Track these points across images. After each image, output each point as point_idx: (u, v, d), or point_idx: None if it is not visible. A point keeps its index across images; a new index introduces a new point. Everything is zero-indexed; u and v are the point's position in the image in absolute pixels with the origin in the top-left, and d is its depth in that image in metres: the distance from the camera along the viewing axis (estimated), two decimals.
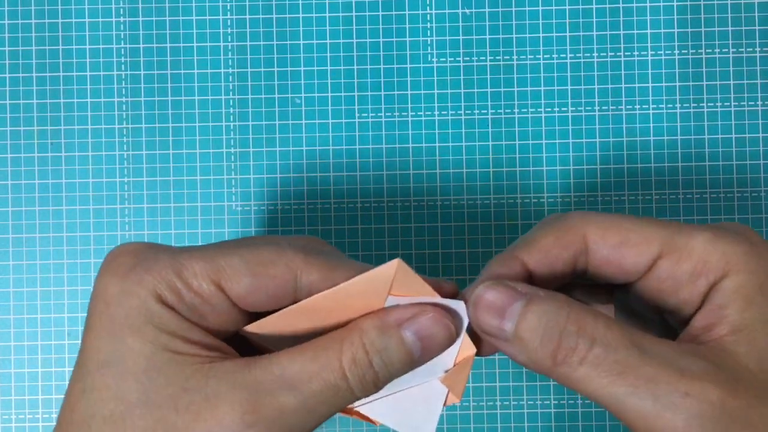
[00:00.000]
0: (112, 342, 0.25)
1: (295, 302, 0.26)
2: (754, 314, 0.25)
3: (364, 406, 0.28)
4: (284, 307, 0.26)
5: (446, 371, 0.27)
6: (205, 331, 0.25)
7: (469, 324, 0.27)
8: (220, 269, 0.25)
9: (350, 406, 0.28)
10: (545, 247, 0.27)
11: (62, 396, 0.38)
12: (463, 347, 0.27)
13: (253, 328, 0.26)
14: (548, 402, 0.38)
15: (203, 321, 0.26)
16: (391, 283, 0.26)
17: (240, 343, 0.27)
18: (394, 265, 0.25)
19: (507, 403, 0.38)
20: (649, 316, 0.29)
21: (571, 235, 0.27)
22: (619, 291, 0.29)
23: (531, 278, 0.27)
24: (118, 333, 0.25)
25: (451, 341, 0.26)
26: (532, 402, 0.38)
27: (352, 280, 0.25)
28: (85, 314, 0.38)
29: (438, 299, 0.26)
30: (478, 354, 0.27)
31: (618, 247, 0.26)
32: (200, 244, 0.38)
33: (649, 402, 0.23)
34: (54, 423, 0.38)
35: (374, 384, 0.25)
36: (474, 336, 0.27)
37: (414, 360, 0.26)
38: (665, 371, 0.23)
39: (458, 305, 0.26)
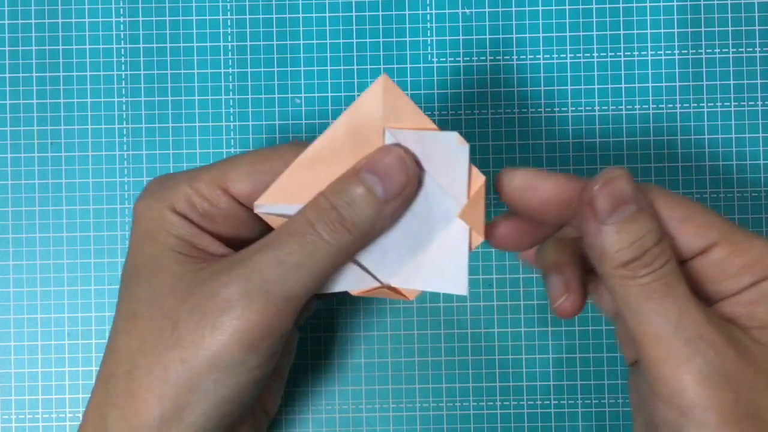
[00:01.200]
0: (136, 252, 0.28)
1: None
2: None
3: (392, 280, 0.29)
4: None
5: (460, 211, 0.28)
6: (213, 239, 0.29)
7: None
8: (225, 174, 0.28)
9: (378, 285, 0.29)
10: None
11: (62, 396, 0.38)
12: (473, 180, 0.28)
13: (264, 199, 0.28)
14: (548, 402, 0.38)
15: (215, 226, 0.29)
16: (383, 109, 0.27)
17: None
18: (381, 82, 0.27)
19: (507, 403, 0.38)
20: None
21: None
22: None
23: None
24: (140, 243, 0.28)
25: (403, 164, 0.27)
26: (532, 402, 0.38)
27: (344, 114, 0.27)
28: (86, 314, 0.38)
29: (435, 131, 0.27)
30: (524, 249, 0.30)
31: (681, 221, 0.28)
32: None
33: (671, 327, 0.26)
34: (53, 423, 0.38)
35: (341, 224, 0.27)
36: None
37: (378, 197, 0.27)
38: (697, 313, 0.26)
39: (452, 136, 0.27)
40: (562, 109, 0.38)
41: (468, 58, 0.39)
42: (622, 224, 0.26)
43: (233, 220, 0.29)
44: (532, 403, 0.38)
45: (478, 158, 0.38)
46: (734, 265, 0.28)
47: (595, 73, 0.38)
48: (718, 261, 0.28)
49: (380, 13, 0.39)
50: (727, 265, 0.28)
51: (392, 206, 0.27)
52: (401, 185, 0.27)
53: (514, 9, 0.39)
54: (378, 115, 0.27)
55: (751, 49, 0.38)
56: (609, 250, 0.27)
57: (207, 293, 0.26)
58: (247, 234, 0.29)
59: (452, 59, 0.39)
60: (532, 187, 0.28)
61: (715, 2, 0.38)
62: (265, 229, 0.29)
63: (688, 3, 0.38)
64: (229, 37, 0.39)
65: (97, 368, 0.38)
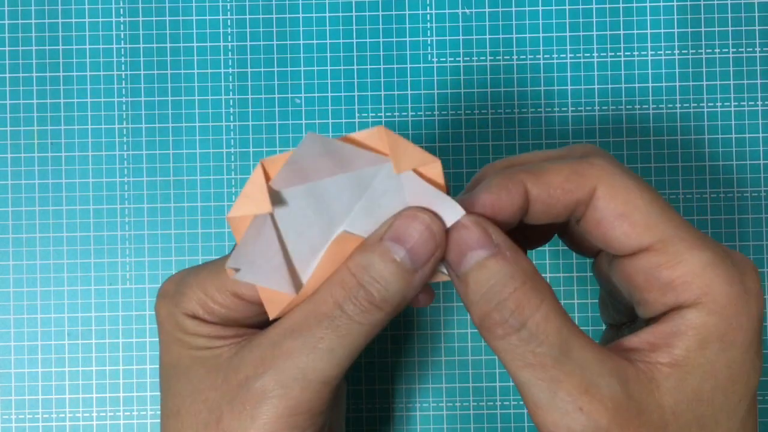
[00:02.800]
0: (168, 353, 0.28)
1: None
2: (700, 359, 0.24)
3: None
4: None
5: None
6: (237, 328, 0.28)
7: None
8: (233, 282, 0.27)
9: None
10: (552, 184, 0.25)
11: (62, 396, 0.38)
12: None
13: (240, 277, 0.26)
14: None
15: (236, 321, 0.28)
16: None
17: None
18: (377, 131, 0.24)
19: (507, 403, 0.38)
20: (622, 297, 0.28)
21: (583, 181, 0.25)
22: (601, 256, 0.29)
23: (527, 206, 0.26)
24: (170, 344, 0.28)
25: (431, 232, 0.25)
26: None
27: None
28: (86, 314, 0.38)
29: (444, 197, 0.25)
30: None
31: (615, 217, 0.25)
32: (202, 244, 0.38)
33: (545, 398, 0.24)
34: (53, 423, 0.38)
35: (370, 303, 0.25)
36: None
37: (407, 268, 0.25)
38: (573, 380, 0.24)
39: (457, 211, 0.25)
40: (562, 109, 0.38)
41: (468, 58, 0.39)
42: (471, 273, 0.24)
43: (252, 316, 0.28)
44: None
45: (478, 158, 0.38)
46: (660, 277, 0.25)
47: (595, 73, 0.38)
48: (645, 269, 0.25)
49: (380, 13, 0.39)
50: (653, 275, 0.25)
51: (422, 274, 0.25)
52: (431, 252, 0.25)
53: (514, 9, 0.39)
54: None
55: (751, 49, 0.38)
56: (466, 304, 0.25)
57: (243, 384, 0.26)
58: (263, 318, 0.29)
59: (452, 59, 0.39)
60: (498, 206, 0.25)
61: (715, 2, 0.38)
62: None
63: (688, 3, 0.38)
64: (229, 37, 0.39)
65: (97, 368, 0.38)
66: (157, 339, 0.31)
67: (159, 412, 0.35)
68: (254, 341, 0.26)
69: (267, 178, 0.25)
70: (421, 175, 0.25)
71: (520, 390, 0.25)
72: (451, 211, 0.25)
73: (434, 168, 0.25)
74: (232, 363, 0.26)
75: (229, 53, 0.39)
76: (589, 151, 0.27)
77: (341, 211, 0.26)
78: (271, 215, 0.25)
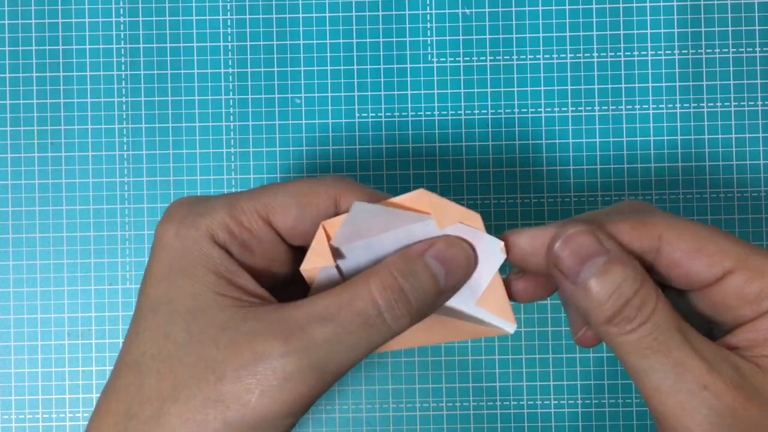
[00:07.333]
0: (165, 284, 0.26)
1: None
2: None
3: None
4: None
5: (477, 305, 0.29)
6: (249, 276, 0.27)
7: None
8: (268, 205, 0.27)
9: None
10: (621, 231, 0.27)
11: (62, 396, 0.38)
12: (493, 283, 0.28)
13: (308, 264, 0.28)
14: (548, 402, 0.38)
15: (252, 258, 0.27)
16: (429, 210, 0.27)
17: (284, 298, 0.28)
18: (419, 194, 0.27)
19: (507, 403, 0.38)
20: (694, 321, 0.29)
21: (648, 229, 0.27)
22: (668, 292, 0.30)
23: None
24: (171, 275, 0.26)
25: (469, 263, 0.27)
26: (532, 402, 0.38)
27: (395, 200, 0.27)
28: (86, 314, 0.38)
29: (482, 234, 0.28)
30: (536, 298, 0.29)
31: (692, 253, 0.27)
32: None
33: (670, 381, 0.25)
34: (53, 423, 0.38)
35: (407, 311, 0.26)
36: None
37: (440, 285, 0.27)
38: (695, 362, 0.25)
39: (495, 243, 0.28)
40: (562, 109, 0.38)
41: (468, 58, 0.39)
42: (594, 280, 0.26)
43: (270, 253, 0.28)
44: (531, 403, 0.38)
45: (478, 158, 0.38)
46: (751, 291, 0.27)
47: (595, 73, 0.38)
48: (734, 288, 0.27)
49: (380, 13, 0.39)
50: (744, 291, 0.27)
51: (443, 299, 0.27)
52: (460, 282, 0.28)
53: (514, 9, 0.39)
54: (425, 209, 0.28)
55: (751, 49, 0.38)
56: (589, 308, 0.26)
57: (259, 356, 0.25)
58: (279, 269, 0.28)
59: (452, 59, 0.39)
60: (536, 251, 0.27)
61: (715, 2, 0.38)
62: (297, 265, 0.28)
63: (688, 3, 0.38)
64: (229, 37, 0.39)
65: (97, 368, 0.38)
66: None
67: None
68: (274, 315, 0.26)
69: (328, 237, 0.27)
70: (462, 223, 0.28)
71: (640, 379, 0.26)
72: (489, 245, 0.28)
73: (475, 221, 0.28)
74: (242, 329, 0.25)
75: (229, 53, 0.39)
76: (636, 207, 0.29)
77: (391, 252, 0.28)
78: (336, 265, 0.28)
